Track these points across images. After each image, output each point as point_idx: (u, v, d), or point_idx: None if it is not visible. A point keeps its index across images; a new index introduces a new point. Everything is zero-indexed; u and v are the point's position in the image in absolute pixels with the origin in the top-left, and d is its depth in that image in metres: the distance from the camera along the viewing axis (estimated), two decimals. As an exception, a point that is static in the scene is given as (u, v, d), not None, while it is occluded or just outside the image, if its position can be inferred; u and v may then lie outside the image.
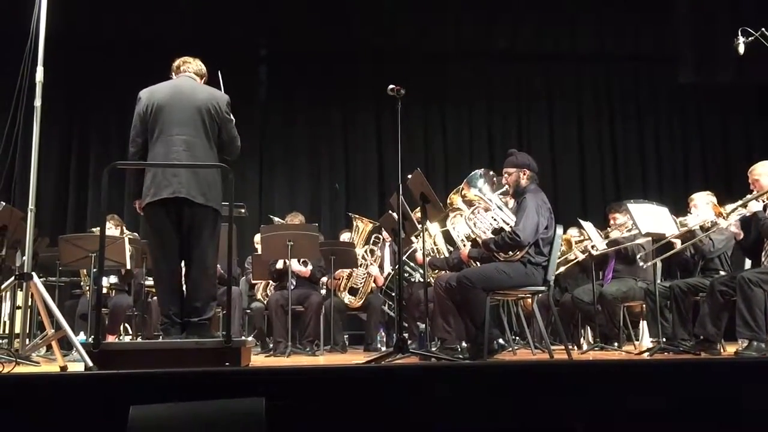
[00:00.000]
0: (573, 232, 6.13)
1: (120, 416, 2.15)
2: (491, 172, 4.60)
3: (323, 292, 6.07)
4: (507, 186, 4.32)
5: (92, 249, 5.05)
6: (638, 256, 5.42)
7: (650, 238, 4.77)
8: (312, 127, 8.71)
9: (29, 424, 2.37)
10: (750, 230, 4.33)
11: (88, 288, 5.64)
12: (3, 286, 3.71)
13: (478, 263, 4.60)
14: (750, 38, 4.29)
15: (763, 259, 4.23)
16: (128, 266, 5.40)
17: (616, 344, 5.36)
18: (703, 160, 8.99)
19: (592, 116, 9.04)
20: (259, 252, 5.87)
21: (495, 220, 4.34)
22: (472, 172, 4.61)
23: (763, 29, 4.24)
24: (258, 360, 4.89)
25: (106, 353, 3.06)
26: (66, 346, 4.55)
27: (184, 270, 3.70)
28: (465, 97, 8.92)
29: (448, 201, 4.90)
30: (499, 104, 9.01)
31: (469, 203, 4.59)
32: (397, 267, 5.00)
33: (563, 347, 4.44)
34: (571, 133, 8.97)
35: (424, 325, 4.76)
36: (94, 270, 5.07)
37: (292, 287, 5.56)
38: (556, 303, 5.69)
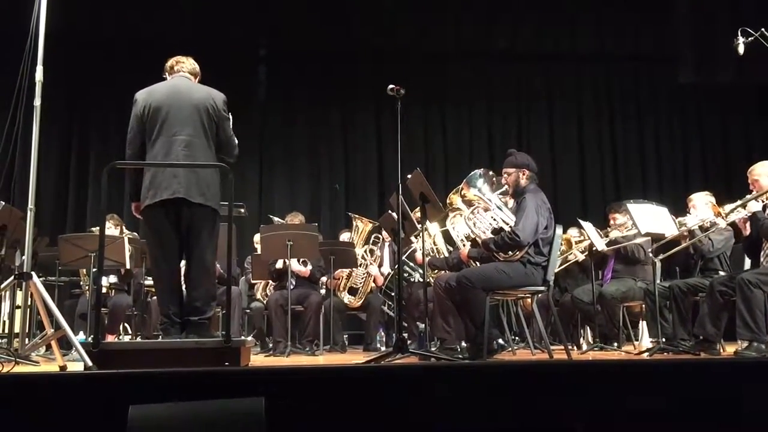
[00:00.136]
0: (573, 232, 6.14)
1: (119, 416, 2.15)
2: (491, 172, 4.59)
3: (323, 291, 6.07)
4: (506, 186, 4.32)
5: (92, 248, 5.05)
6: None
7: (649, 238, 4.77)
8: (312, 127, 8.70)
9: (29, 423, 2.37)
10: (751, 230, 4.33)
11: (87, 287, 5.64)
12: (2, 286, 3.70)
13: (477, 263, 4.60)
14: (750, 38, 4.28)
15: (762, 260, 4.23)
16: (128, 266, 5.40)
17: (615, 344, 5.36)
18: (703, 160, 9.00)
19: (592, 116, 9.05)
20: (259, 252, 5.86)
21: (494, 220, 4.34)
22: (472, 172, 4.60)
23: (763, 29, 4.24)
24: (258, 360, 4.89)
25: (105, 353, 3.06)
26: (65, 345, 4.55)
27: (183, 270, 3.70)
28: (465, 97, 8.92)
29: (448, 201, 4.90)
30: (499, 104, 9.01)
31: (469, 203, 4.59)
32: (396, 267, 4.99)
33: (563, 347, 4.43)
34: (571, 133, 8.98)
35: (423, 325, 4.76)
36: (94, 269, 5.06)
37: (292, 287, 5.55)
38: (556, 303, 5.68)
